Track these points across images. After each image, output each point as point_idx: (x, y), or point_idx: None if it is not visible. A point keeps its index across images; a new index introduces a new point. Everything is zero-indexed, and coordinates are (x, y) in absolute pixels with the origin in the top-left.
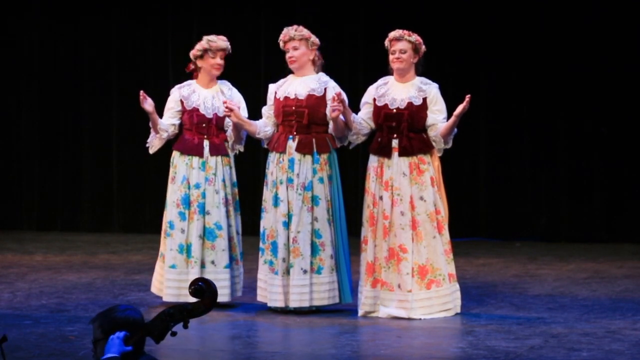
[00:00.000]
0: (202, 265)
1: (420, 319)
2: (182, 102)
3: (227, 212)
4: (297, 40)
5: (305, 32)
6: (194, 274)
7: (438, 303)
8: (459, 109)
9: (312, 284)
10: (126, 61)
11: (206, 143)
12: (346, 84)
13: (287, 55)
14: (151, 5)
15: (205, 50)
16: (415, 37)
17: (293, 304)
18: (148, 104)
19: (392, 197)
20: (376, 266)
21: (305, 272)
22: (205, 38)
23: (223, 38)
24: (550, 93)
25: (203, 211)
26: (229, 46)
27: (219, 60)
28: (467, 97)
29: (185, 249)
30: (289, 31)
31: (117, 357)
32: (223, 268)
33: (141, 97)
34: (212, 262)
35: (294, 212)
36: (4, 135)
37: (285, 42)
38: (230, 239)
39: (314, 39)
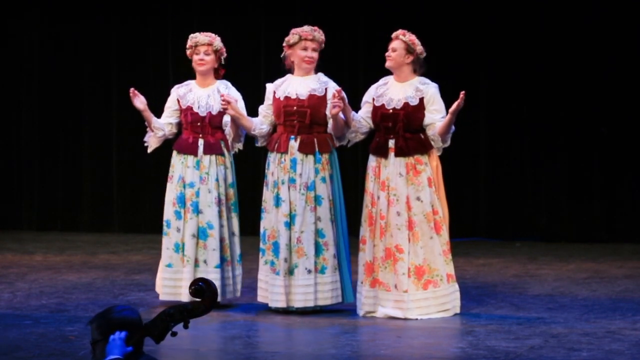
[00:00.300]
0: (197, 264)
1: (416, 319)
2: (178, 101)
3: (220, 212)
4: (318, 43)
5: (323, 36)
6: (187, 272)
7: (435, 304)
8: (454, 106)
9: (316, 284)
10: (126, 61)
11: (201, 142)
12: (346, 84)
13: (306, 54)
14: (151, 5)
15: (190, 48)
16: (409, 37)
17: (298, 304)
18: (139, 102)
19: (389, 197)
20: (375, 266)
21: (309, 272)
22: (190, 35)
23: (208, 33)
24: (550, 93)
25: (197, 210)
26: (214, 41)
27: (201, 56)
28: (462, 94)
29: (181, 248)
30: (313, 32)
31: (120, 358)
32: (213, 268)
33: (131, 95)
34: (205, 262)
35: (297, 212)
36: (4, 135)
37: (304, 40)
38: (221, 240)
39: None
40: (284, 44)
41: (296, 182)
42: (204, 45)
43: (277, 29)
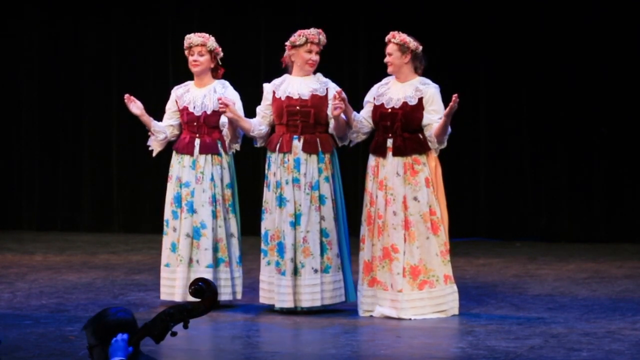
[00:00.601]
0: (191, 264)
1: (410, 319)
2: (176, 102)
3: (215, 212)
4: (321, 46)
5: (326, 39)
6: (180, 272)
7: (430, 304)
8: (447, 108)
9: (322, 283)
10: (126, 61)
11: (197, 142)
12: (346, 84)
13: (310, 57)
14: (151, 5)
15: (186, 49)
16: (399, 38)
17: (305, 303)
18: (136, 107)
19: (386, 196)
20: (373, 265)
21: (316, 271)
22: (185, 37)
23: (202, 34)
24: (550, 93)
25: (192, 210)
26: (208, 41)
27: (195, 57)
28: (454, 97)
29: (177, 247)
30: (318, 35)
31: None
32: (205, 267)
33: (126, 100)
34: (197, 261)
35: (302, 211)
36: (4, 135)
37: (309, 43)
38: (217, 240)
39: None
40: (288, 44)
41: (300, 182)
42: (197, 46)
43: (277, 29)
